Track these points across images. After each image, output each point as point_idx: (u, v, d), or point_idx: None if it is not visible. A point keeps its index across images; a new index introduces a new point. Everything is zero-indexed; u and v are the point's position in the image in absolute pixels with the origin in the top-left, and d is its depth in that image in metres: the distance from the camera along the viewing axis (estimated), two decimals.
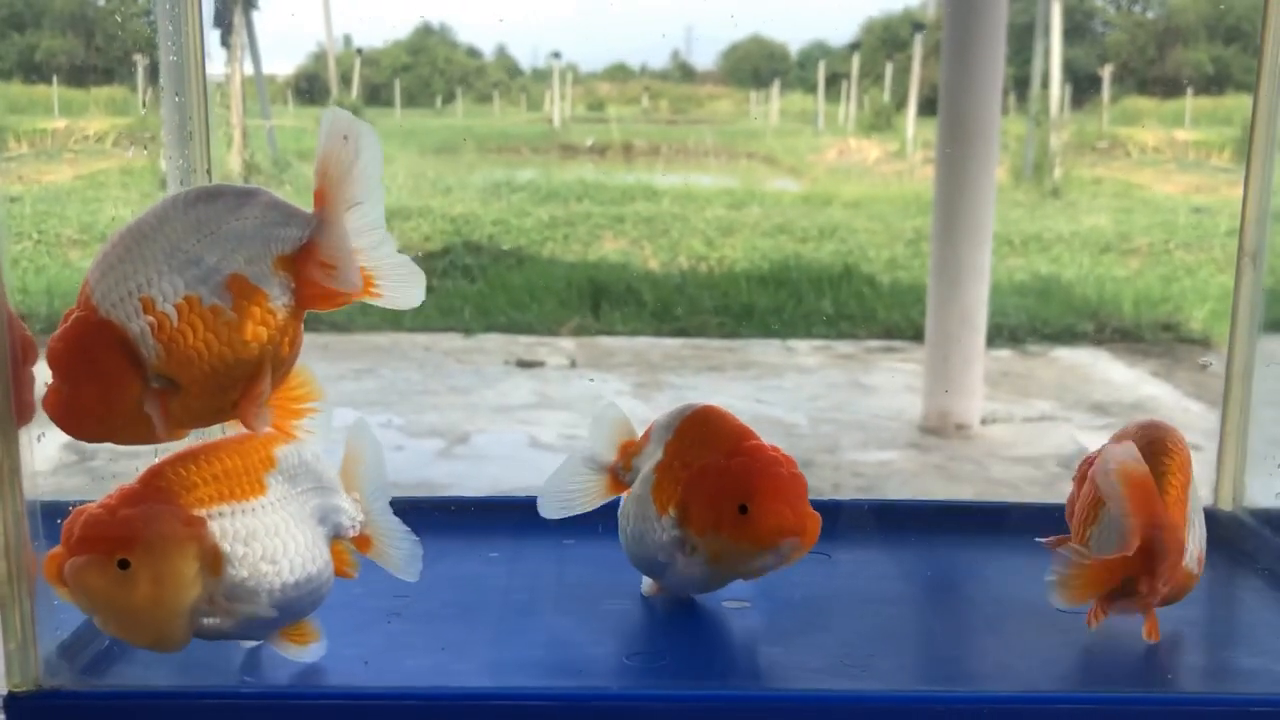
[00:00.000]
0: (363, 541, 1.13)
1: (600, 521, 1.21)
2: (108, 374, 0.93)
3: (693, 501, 1.10)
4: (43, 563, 0.95)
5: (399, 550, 1.14)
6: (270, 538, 1.01)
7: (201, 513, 0.98)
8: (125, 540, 0.94)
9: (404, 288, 1.01)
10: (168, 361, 0.93)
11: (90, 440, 0.96)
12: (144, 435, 0.98)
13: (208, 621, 0.99)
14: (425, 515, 1.18)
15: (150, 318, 0.93)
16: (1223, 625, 1.22)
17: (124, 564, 0.94)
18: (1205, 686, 1.07)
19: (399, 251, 1.00)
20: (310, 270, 0.97)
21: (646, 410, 5.07)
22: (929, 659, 1.13)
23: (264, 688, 1.03)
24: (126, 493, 0.97)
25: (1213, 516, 1.38)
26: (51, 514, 1.00)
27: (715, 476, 1.09)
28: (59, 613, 1.02)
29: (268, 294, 0.96)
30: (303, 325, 1.00)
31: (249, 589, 0.99)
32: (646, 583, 1.21)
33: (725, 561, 1.10)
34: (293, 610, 1.04)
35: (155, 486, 0.98)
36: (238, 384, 0.96)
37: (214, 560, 0.98)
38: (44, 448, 1.00)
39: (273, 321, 0.96)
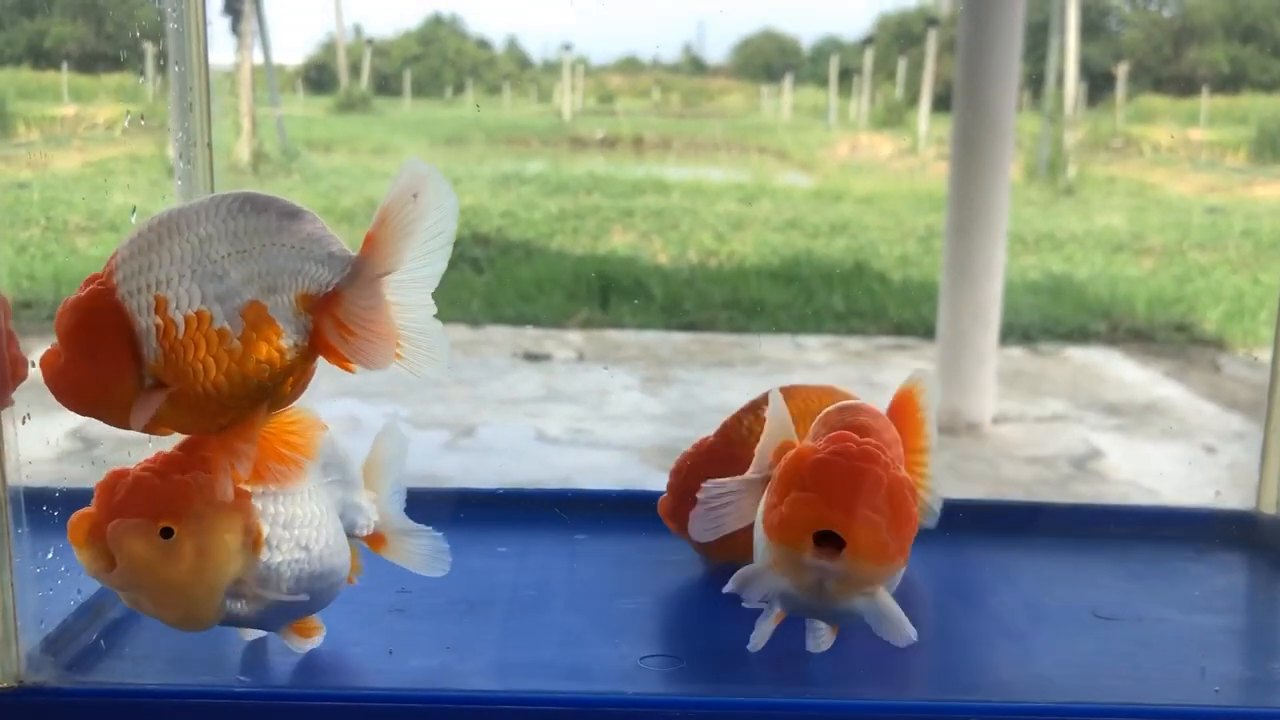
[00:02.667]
0: (376, 540, 1.09)
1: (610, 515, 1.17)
2: (106, 357, 0.89)
3: (766, 500, 0.97)
4: (69, 523, 0.90)
5: (421, 547, 1.09)
6: (305, 526, 0.98)
7: (247, 489, 0.94)
8: (173, 507, 0.90)
9: (426, 359, 0.92)
10: (164, 368, 0.89)
11: (76, 412, 0.92)
12: (128, 424, 0.93)
13: (231, 604, 0.95)
14: (431, 508, 1.13)
15: (159, 319, 0.89)
16: (1268, 634, 1.16)
17: (167, 532, 0.90)
18: (1253, 699, 1.02)
19: (434, 317, 0.92)
20: (326, 323, 0.90)
21: (654, 405, 5.02)
22: (958, 665, 1.08)
23: (260, 687, 0.98)
24: (171, 459, 0.93)
25: (1255, 520, 1.33)
26: (36, 500, 0.96)
27: (780, 469, 0.96)
28: (43, 605, 0.98)
29: (282, 331, 0.90)
30: (313, 367, 0.93)
31: (280, 575, 0.96)
32: (758, 633, 1.01)
33: (781, 569, 0.93)
34: (312, 603, 1.00)
35: (202, 456, 0.93)
36: (228, 412, 0.92)
37: (255, 540, 0.94)
38: (50, 433, 0.96)
39: (278, 361, 0.90)
